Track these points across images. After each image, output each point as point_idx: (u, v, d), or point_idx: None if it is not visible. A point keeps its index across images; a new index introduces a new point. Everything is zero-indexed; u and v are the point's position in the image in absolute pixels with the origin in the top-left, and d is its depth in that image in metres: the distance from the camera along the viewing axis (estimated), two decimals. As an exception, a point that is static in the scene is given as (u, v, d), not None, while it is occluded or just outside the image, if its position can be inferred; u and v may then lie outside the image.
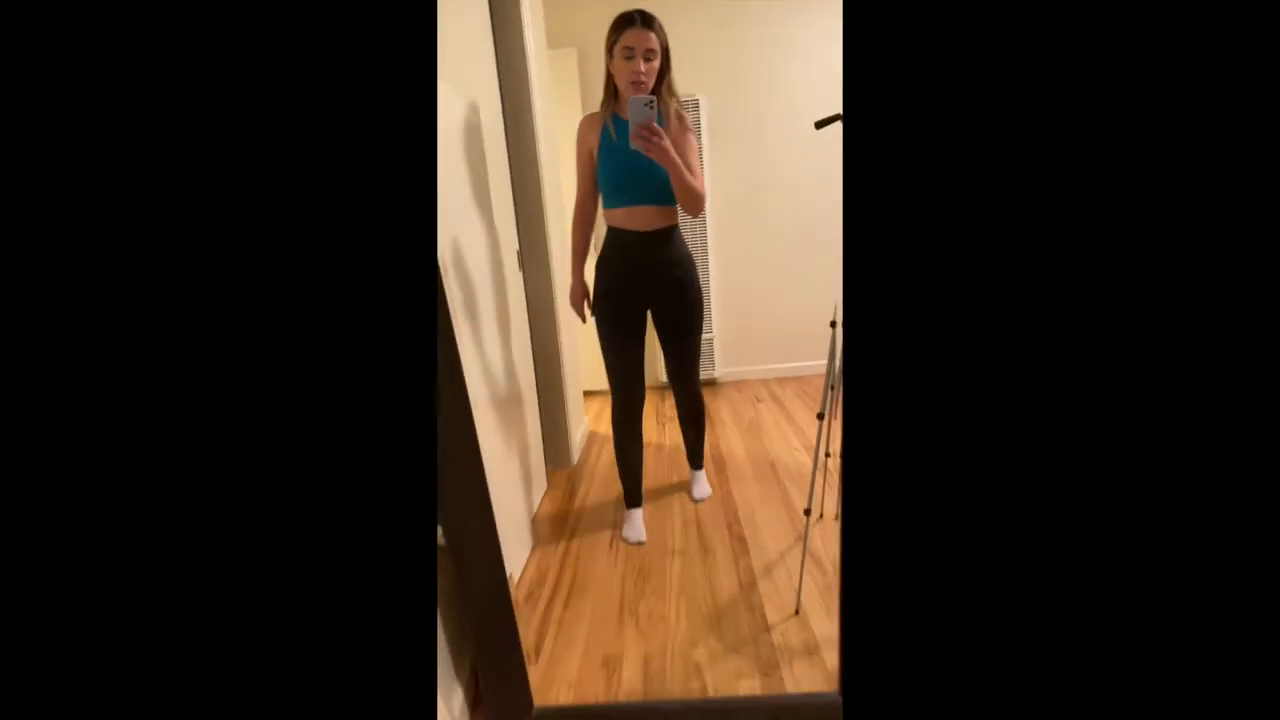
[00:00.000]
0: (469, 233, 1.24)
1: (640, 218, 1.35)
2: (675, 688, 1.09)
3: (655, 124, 1.16)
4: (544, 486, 1.88)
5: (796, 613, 1.23)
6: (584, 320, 1.49)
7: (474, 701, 1.11)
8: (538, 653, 1.20)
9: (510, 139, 1.64)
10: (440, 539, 0.93)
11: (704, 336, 1.57)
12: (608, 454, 2.08)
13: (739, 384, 2.80)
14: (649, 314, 1.48)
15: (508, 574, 0.93)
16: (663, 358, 1.55)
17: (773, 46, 2.42)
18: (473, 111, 1.30)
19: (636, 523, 1.59)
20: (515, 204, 1.71)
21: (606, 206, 1.40)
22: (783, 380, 2.75)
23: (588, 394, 2.46)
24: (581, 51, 2.25)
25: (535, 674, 1.12)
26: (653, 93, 1.25)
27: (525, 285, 1.78)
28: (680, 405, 1.64)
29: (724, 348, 2.77)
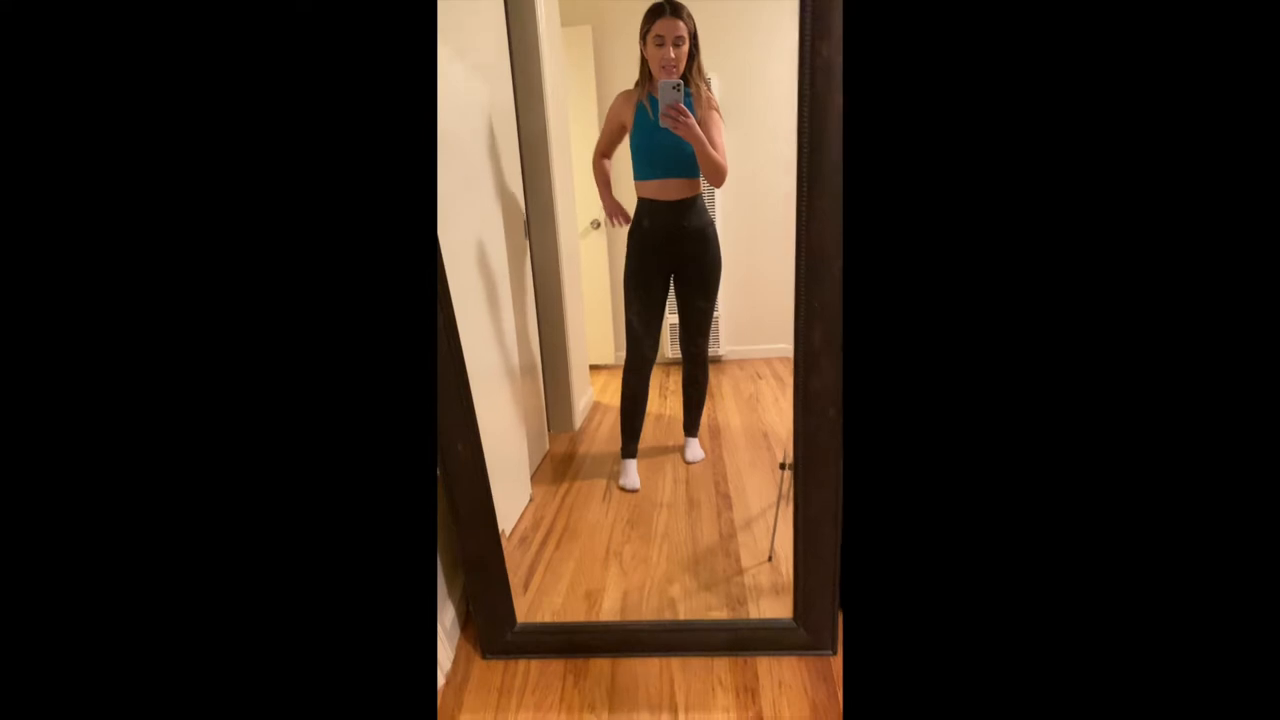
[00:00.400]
0: (478, 202, 1.33)
1: (670, 189, 1.51)
2: (650, 617, 1.18)
3: (682, 104, 1.29)
4: (545, 447, 1.97)
5: (770, 559, 1.31)
6: (629, 220, 1.61)
7: (464, 619, 1.22)
8: (526, 587, 1.29)
9: (520, 112, 1.72)
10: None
11: (711, 318, 1.69)
12: (609, 422, 2.17)
13: (742, 362, 2.86)
14: (671, 282, 1.63)
15: (500, 529, 1.02)
16: (675, 330, 1.67)
17: (785, 29, 2.45)
18: (483, 85, 1.38)
19: (631, 472, 1.71)
20: (524, 175, 1.79)
21: (638, 178, 1.54)
22: (786, 360, 2.80)
23: (594, 368, 2.55)
24: (597, 29, 2.32)
25: (522, 604, 1.22)
26: (682, 76, 1.38)
27: (531, 254, 1.86)
28: (686, 367, 1.78)
29: (729, 326, 2.82)
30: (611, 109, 1.54)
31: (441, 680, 1.08)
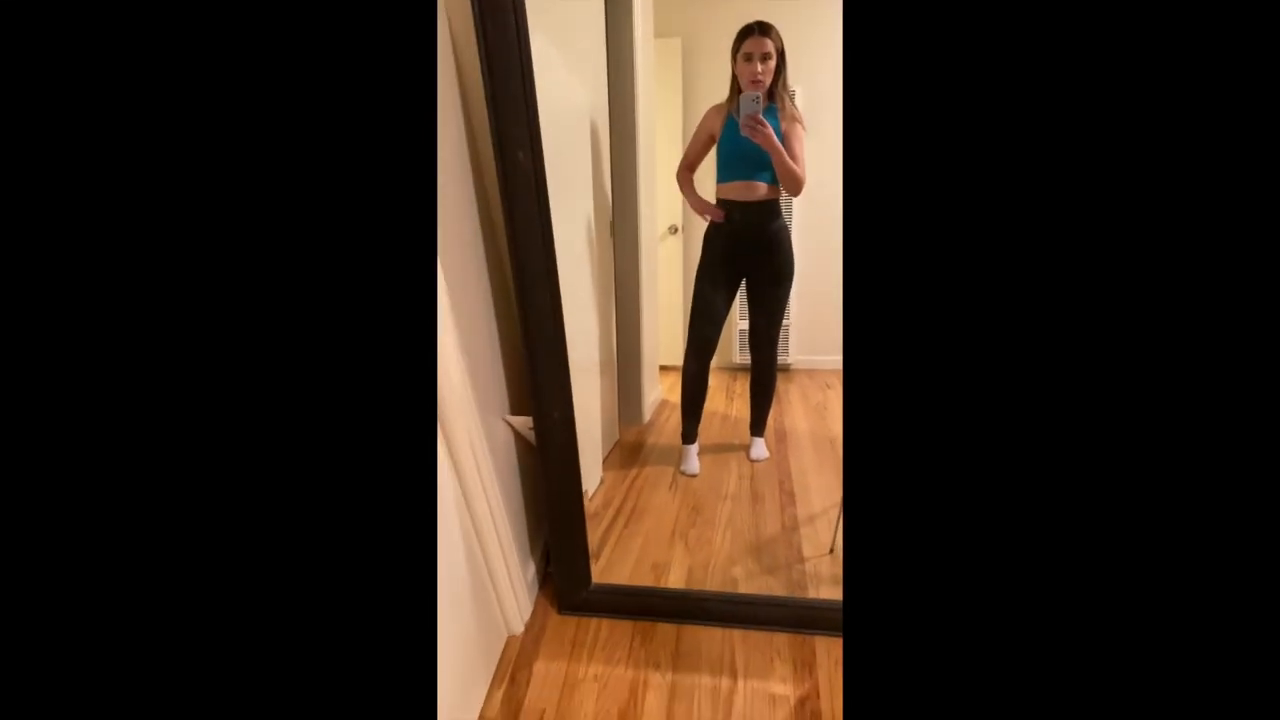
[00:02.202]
0: (580, 201, 1.45)
1: (749, 191, 1.61)
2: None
3: (760, 115, 1.40)
4: (616, 438, 2.07)
5: (831, 551, 1.36)
6: (721, 215, 1.67)
7: (544, 575, 1.32)
8: (596, 558, 1.39)
9: (613, 119, 1.84)
10: (527, 431, 1.14)
11: (782, 321, 1.76)
12: (676, 419, 2.25)
13: (811, 372, 2.88)
14: (743, 282, 1.72)
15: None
16: (744, 336, 1.74)
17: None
18: (583, 92, 1.51)
19: (691, 457, 1.81)
20: (612, 179, 1.90)
21: (720, 180, 1.64)
22: (854, 371, 2.81)
23: (663, 369, 2.64)
24: (686, 42, 2.42)
25: (594, 571, 1.31)
26: (769, 90, 1.49)
27: (614, 255, 1.98)
28: (755, 368, 1.86)
29: (800, 335, 2.85)
30: (701, 123, 1.65)
31: (520, 629, 1.19)
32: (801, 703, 1.03)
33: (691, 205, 1.73)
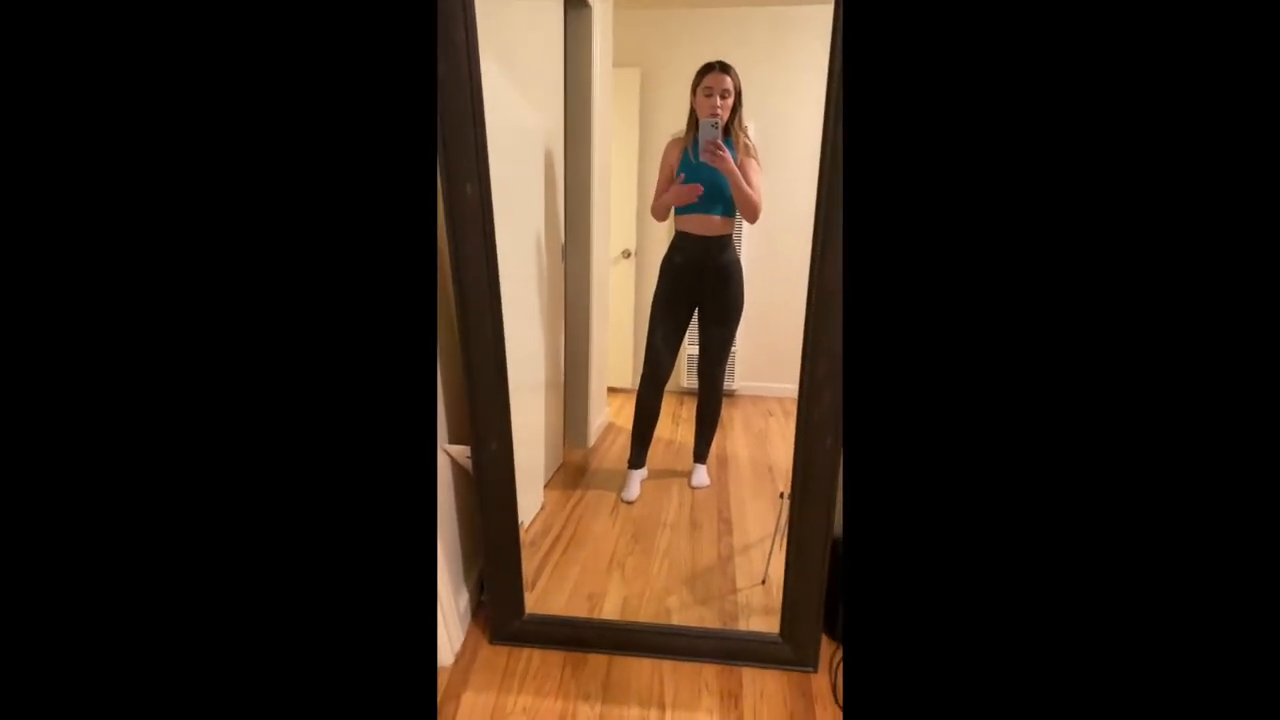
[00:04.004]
0: (530, 223, 1.46)
1: (706, 225, 1.67)
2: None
3: (720, 141, 1.46)
4: (560, 460, 2.07)
5: (763, 582, 1.39)
6: (699, 190, 1.65)
7: (477, 604, 1.31)
8: (532, 586, 1.38)
9: (569, 145, 1.86)
10: (465, 460, 1.13)
11: (729, 350, 1.81)
12: (621, 442, 2.26)
13: (755, 399, 2.94)
14: (696, 312, 1.78)
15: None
16: (693, 361, 1.78)
17: (816, 85, 2.58)
18: (538, 118, 1.53)
19: (634, 484, 1.83)
20: (565, 204, 1.92)
21: (679, 213, 1.69)
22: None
23: (611, 390, 2.65)
24: (645, 71, 2.47)
25: (528, 601, 1.30)
26: (725, 127, 1.55)
27: (565, 278, 1.99)
28: (701, 395, 1.91)
29: (745, 361, 2.92)
30: (664, 158, 1.70)
31: (451, 659, 1.17)
32: (726, 735, 1.04)
33: (673, 200, 1.71)
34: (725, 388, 2.93)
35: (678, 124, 1.67)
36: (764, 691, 1.12)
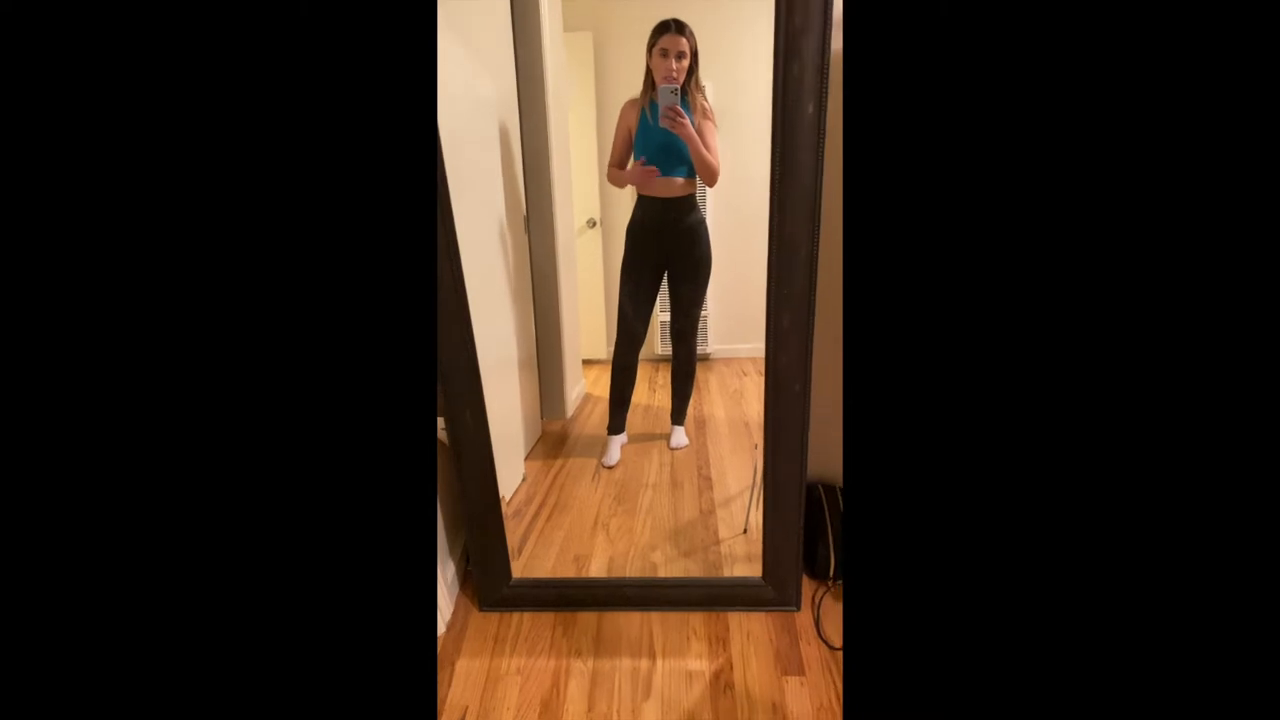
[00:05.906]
0: (486, 197, 1.44)
1: (666, 187, 1.65)
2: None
3: (679, 106, 1.44)
4: (538, 433, 2.08)
5: (744, 531, 1.43)
6: (655, 172, 1.66)
7: (464, 574, 1.33)
8: (519, 553, 1.40)
9: (524, 114, 1.84)
10: (441, 434, 1.14)
11: (700, 312, 1.81)
12: (600, 411, 2.28)
13: (729, 360, 2.98)
14: (665, 276, 1.77)
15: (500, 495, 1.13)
16: (666, 328, 1.79)
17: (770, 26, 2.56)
18: (489, 86, 1.50)
19: (614, 448, 1.85)
20: (524, 175, 1.90)
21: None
22: (770, 358, 2.92)
23: (586, 362, 2.66)
24: (597, 36, 2.43)
25: (516, 568, 1.32)
26: (682, 87, 1.53)
27: (530, 250, 1.97)
28: (675, 359, 1.92)
29: (717, 325, 2.93)
30: (620, 119, 1.68)
31: (442, 629, 1.19)
32: (716, 676, 1.08)
33: (630, 181, 1.74)
34: (700, 351, 2.96)
35: (634, 88, 1.64)
36: (750, 633, 1.16)
